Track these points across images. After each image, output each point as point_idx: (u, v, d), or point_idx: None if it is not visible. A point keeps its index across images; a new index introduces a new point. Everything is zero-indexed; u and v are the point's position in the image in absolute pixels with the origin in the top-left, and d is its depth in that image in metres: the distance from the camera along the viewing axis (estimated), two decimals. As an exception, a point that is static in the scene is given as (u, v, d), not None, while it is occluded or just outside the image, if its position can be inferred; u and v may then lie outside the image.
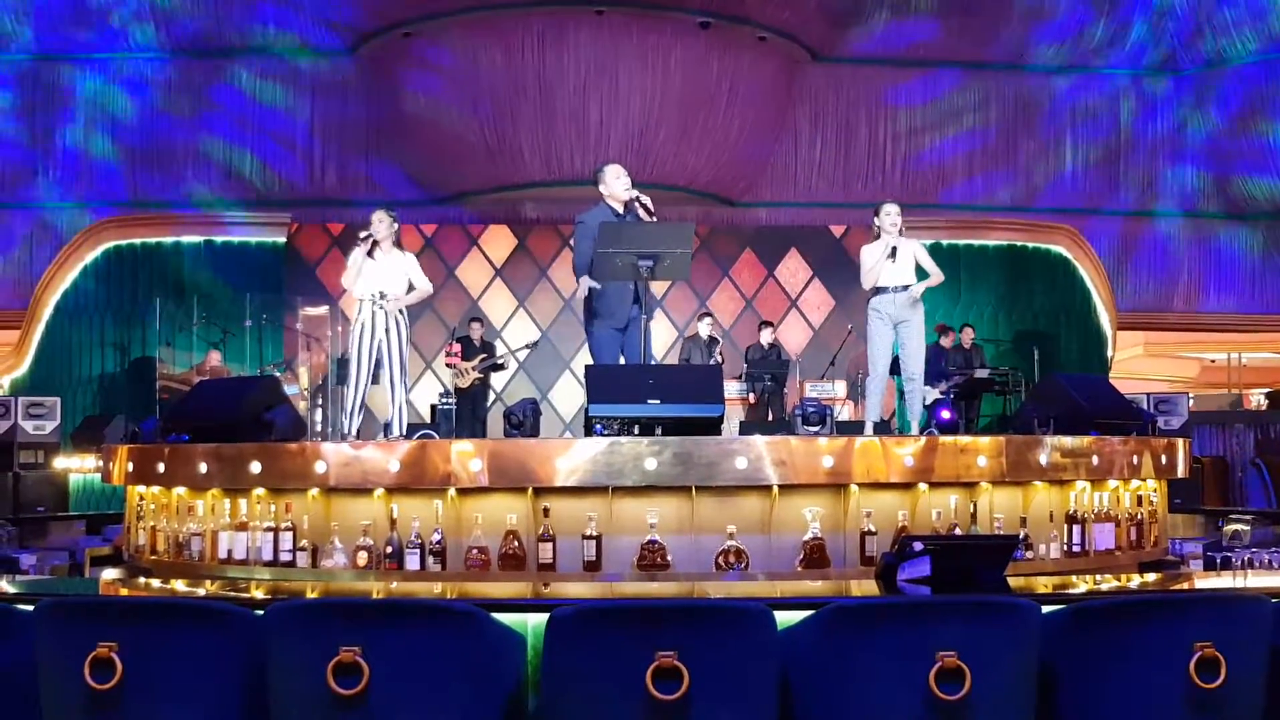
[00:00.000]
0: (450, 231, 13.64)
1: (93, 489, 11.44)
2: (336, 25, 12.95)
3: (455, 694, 2.58)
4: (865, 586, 3.58)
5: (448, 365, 11.40)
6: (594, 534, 5.39)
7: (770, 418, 10.63)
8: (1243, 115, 14.00)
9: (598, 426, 5.72)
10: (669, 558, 5.36)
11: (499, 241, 13.70)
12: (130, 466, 6.38)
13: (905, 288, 7.19)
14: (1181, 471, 6.67)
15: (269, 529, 5.67)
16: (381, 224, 6.93)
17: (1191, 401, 11.99)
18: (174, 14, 12.98)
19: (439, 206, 13.41)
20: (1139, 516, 6.27)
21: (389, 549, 5.49)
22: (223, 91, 13.39)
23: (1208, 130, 14.34)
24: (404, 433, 6.71)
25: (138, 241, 13.21)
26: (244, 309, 11.97)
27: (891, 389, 8.30)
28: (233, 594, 3.32)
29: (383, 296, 6.92)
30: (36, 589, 3.45)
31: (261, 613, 2.69)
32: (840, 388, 11.57)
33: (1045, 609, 2.74)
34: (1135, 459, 6.18)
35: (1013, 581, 3.48)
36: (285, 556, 5.63)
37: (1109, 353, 14.07)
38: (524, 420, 6.16)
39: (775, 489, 5.47)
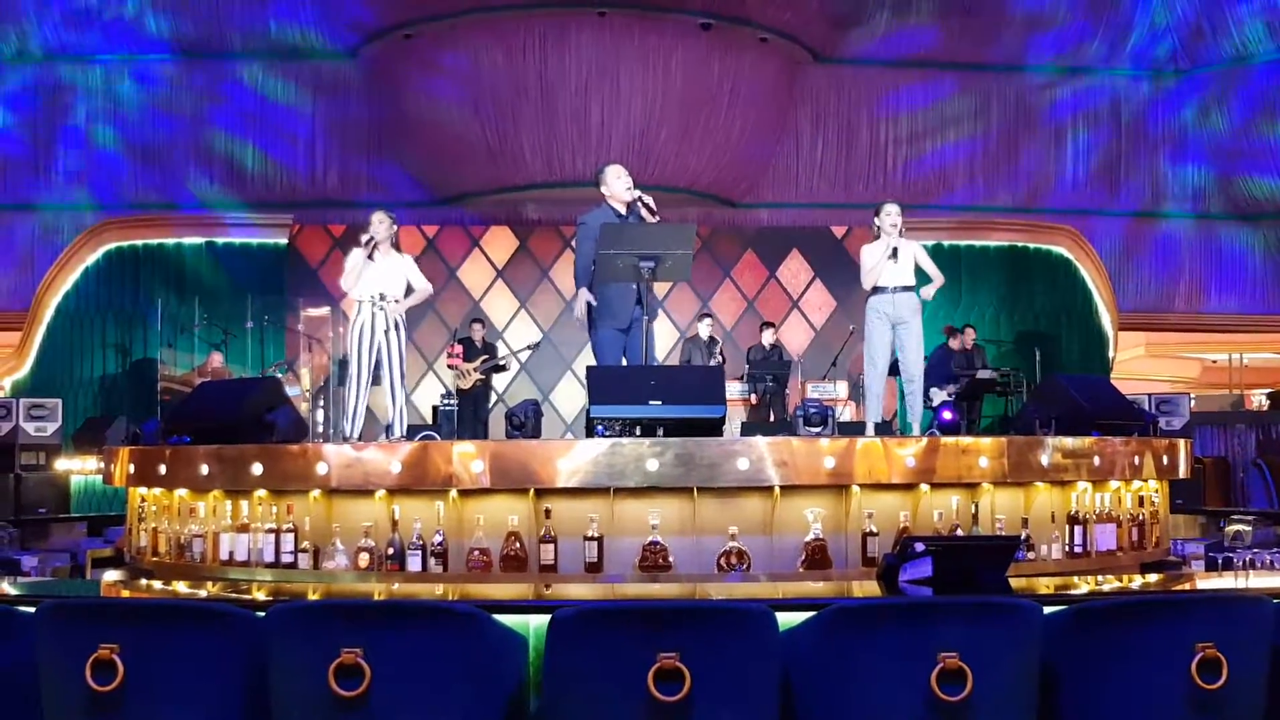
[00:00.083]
0: (452, 232, 13.64)
1: (94, 490, 11.42)
2: (338, 27, 12.95)
3: (457, 695, 2.58)
4: (867, 587, 3.58)
5: (449, 366, 11.40)
6: (596, 535, 5.39)
7: (772, 418, 10.62)
8: (1245, 115, 13.99)
9: (599, 428, 5.71)
10: (670, 559, 5.36)
11: (500, 242, 13.70)
12: (132, 468, 6.38)
13: (905, 288, 7.18)
14: (1183, 472, 6.66)
15: (270, 530, 5.66)
16: (380, 225, 6.95)
17: (1193, 402, 12.00)
18: (176, 16, 12.99)
19: (440, 207, 13.41)
20: (1140, 517, 6.26)
21: (390, 550, 5.49)
22: (225, 93, 13.40)
23: (1210, 130, 14.32)
24: (405, 434, 6.71)
25: (139, 243, 13.23)
26: (245, 310, 11.99)
27: (893, 389, 8.29)
28: (234, 595, 3.32)
29: (382, 298, 6.93)
30: (38, 591, 3.45)
31: (263, 614, 2.69)
32: (842, 388, 11.56)
33: (1047, 610, 2.74)
34: (1137, 460, 6.18)
35: (1014, 582, 3.49)
36: (287, 558, 5.62)
37: (1110, 353, 14.06)
38: (525, 421, 6.14)
39: (777, 490, 5.46)
